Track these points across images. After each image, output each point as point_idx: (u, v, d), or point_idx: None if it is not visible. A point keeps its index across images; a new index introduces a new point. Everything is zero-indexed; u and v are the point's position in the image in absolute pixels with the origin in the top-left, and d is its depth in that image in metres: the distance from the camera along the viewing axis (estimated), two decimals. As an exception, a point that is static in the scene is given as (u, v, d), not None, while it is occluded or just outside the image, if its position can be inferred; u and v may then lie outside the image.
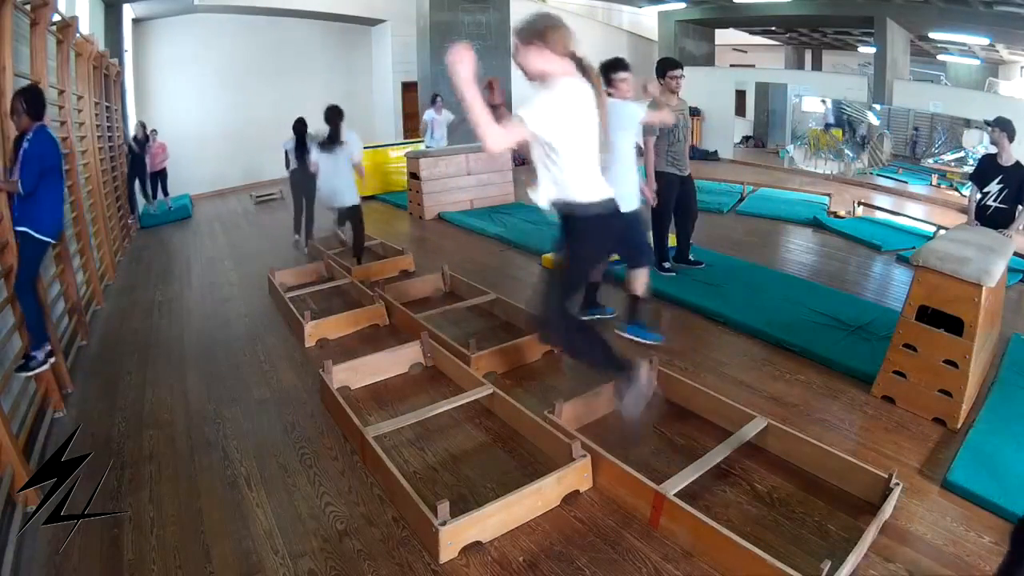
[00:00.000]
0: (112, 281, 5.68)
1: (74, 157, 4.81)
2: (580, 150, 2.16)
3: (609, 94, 3.13)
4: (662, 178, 4.33)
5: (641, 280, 3.40)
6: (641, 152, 4.08)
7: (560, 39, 2.11)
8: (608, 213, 2.26)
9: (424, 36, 10.37)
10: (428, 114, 8.91)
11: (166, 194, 9.04)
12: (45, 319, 3.17)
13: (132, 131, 8.51)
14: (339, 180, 4.89)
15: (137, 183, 8.52)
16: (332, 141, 4.81)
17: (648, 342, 3.50)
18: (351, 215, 5.07)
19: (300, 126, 5.89)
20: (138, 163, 8.35)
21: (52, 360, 3.09)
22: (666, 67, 4.34)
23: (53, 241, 3.17)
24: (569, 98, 2.09)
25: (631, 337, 3.52)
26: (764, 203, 7.56)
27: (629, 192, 3.38)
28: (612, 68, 3.46)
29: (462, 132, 8.22)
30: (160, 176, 8.95)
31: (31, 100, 2.99)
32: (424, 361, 3.41)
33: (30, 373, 2.93)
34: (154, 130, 8.92)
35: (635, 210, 3.47)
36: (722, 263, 4.96)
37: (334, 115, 4.79)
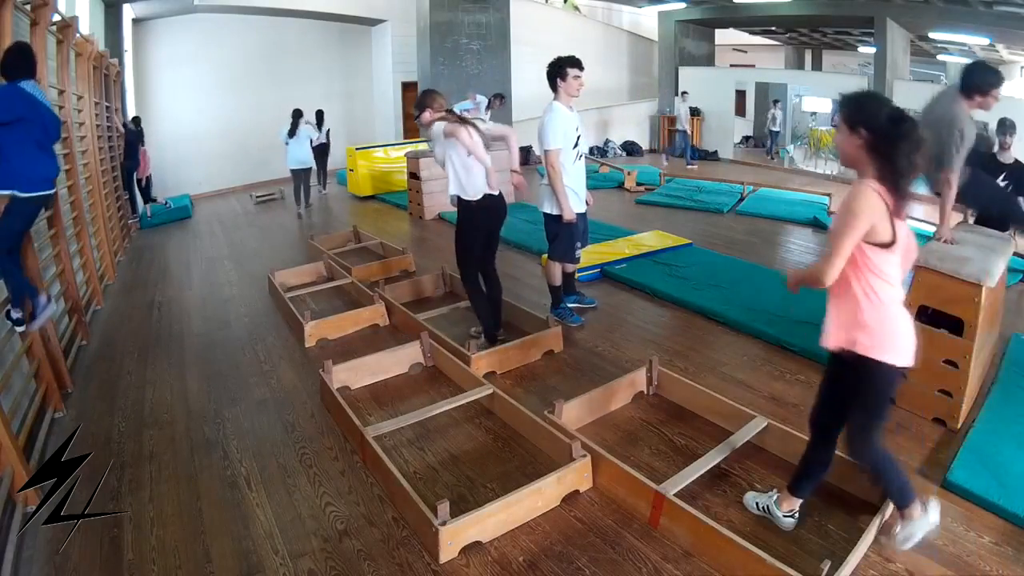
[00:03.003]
0: (112, 281, 5.67)
1: (74, 157, 4.81)
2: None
3: None
4: None
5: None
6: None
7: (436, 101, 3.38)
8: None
9: (424, 36, 10.35)
10: (480, 98, 8.70)
11: (151, 200, 8.63)
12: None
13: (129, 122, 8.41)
14: (301, 154, 8.08)
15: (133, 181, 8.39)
16: (294, 130, 7.96)
17: (585, 306, 4.13)
18: (305, 174, 8.34)
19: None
20: (131, 154, 8.17)
21: (48, 309, 3.03)
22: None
23: (39, 194, 2.96)
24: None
25: (572, 306, 4.03)
26: (764, 203, 7.55)
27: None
28: None
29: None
30: (144, 183, 8.78)
31: (7, 59, 2.88)
32: (424, 361, 3.41)
33: (22, 329, 2.90)
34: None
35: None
36: (722, 263, 4.96)
37: (298, 115, 8.04)
